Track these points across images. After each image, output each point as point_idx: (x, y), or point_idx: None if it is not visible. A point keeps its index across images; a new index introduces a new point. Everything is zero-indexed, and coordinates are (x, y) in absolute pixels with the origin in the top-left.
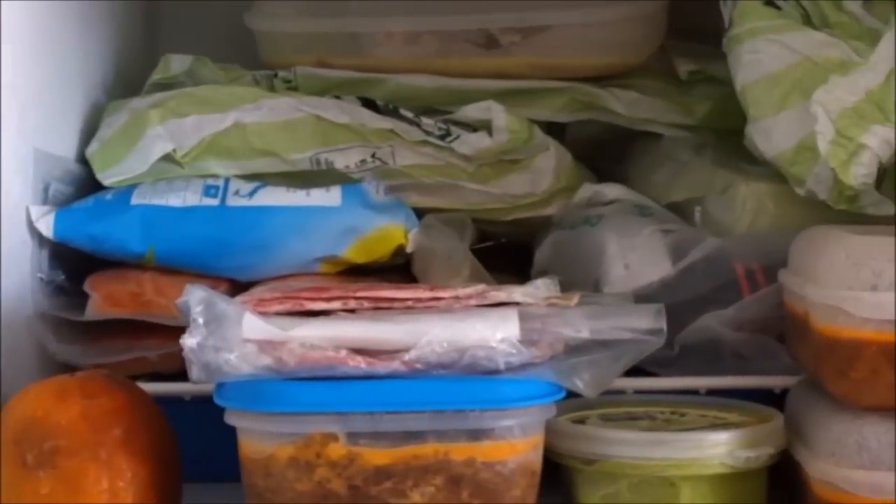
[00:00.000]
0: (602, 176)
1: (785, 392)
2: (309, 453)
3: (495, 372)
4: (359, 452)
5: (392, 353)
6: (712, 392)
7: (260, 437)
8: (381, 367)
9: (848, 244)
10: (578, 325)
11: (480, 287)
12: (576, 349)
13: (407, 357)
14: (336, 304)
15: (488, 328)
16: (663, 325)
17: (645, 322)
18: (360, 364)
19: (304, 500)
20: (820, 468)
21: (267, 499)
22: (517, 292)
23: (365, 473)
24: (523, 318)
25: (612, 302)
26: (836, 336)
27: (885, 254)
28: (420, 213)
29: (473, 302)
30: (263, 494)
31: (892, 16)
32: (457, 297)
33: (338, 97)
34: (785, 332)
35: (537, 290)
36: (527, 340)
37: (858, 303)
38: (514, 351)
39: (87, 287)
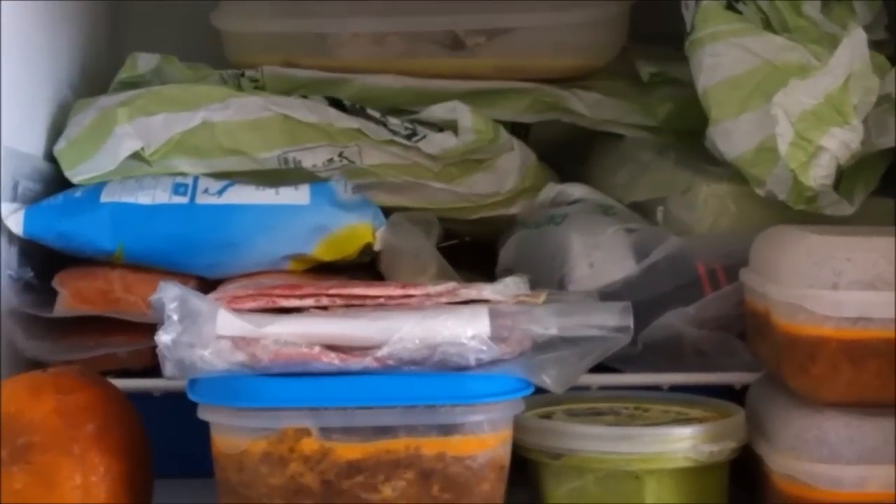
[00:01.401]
0: (565, 176)
1: (746, 388)
2: (282, 448)
3: (466, 368)
4: (331, 447)
5: (365, 349)
6: (675, 388)
7: (234, 433)
8: (354, 363)
9: (808, 243)
10: (547, 323)
11: (451, 285)
12: (543, 346)
13: (379, 353)
14: (309, 302)
15: (459, 325)
16: (630, 322)
17: (612, 319)
18: (334, 360)
19: (277, 495)
20: (781, 462)
21: (240, 494)
22: (487, 290)
23: (337, 468)
24: (493, 316)
25: (578, 300)
26: (797, 333)
27: (844, 253)
28: (387, 211)
29: (444, 299)
30: (236, 489)
31: (849, 20)
32: (428, 295)
33: (305, 97)
34: (746, 329)
35: (506, 288)
36: (497, 337)
37: (819, 301)
38: (484, 348)
39: (56, 284)
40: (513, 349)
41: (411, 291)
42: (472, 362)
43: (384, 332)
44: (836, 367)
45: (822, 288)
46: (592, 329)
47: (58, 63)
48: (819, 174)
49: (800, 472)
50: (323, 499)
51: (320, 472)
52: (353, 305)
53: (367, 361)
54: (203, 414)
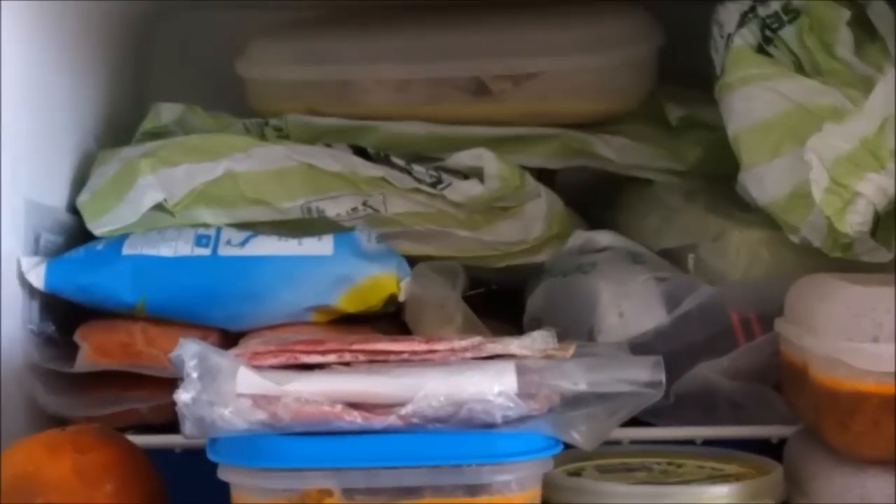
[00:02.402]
0: (592, 222)
1: (782, 442)
2: None
3: (492, 425)
4: None
5: (388, 407)
6: (709, 442)
7: (254, 493)
8: (377, 421)
9: (847, 295)
10: (576, 378)
11: (476, 339)
12: (573, 401)
13: (403, 411)
14: (331, 357)
15: (485, 381)
16: (662, 377)
17: (643, 374)
18: (356, 419)
19: None
20: None
21: None
22: (514, 345)
23: None
24: (520, 371)
25: (608, 352)
26: (837, 388)
27: (885, 304)
28: (411, 260)
29: (469, 355)
30: None
31: (884, 62)
32: (453, 350)
33: (329, 145)
34: (782, 381)
35: (534, 342)
36: (524, 394)
37: (859, 354)
38: (511, 404)
39: (77, 338)
40: (541, 405)
41: (436, 346)
42: (499, 419)
43: (408, 389)
44: (878, 424)
45: (861, 341)
46: (623, 384)
47: (81, 112)
48: (855, 221)
49: None
50: None
51: None
52: (377, 361)
53: (391, 419)
54: (223, 474)
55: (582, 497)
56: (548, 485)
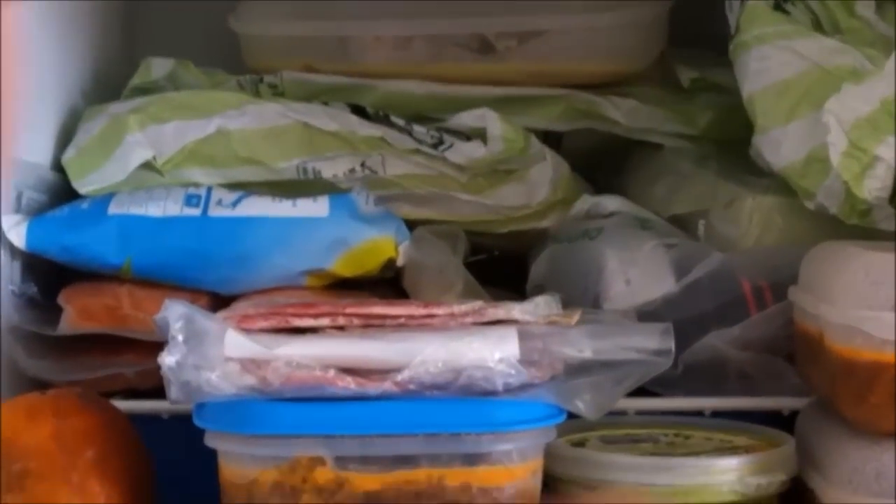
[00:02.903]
0: (599, 188)
1: (794, 414)
2: (294, 478)
3: (493, 393)
4: (347, 477)
5: (383, 373)
6: (718, 414)
7: (242, 461)
8: (372, 387)
9: (867, 262)
10: (581, 345)
11: (477, 304)
12: (577, 369)
13: (399, 377)
14: (324, 321)
15: (486, 347)
16: (671, 345)
17: (651, 342)
18: (350, 384)
19: None
20: (836, 497)
21: None
22: (516, 310)
23: (354, 500)
24: (522, 338)
25: (614, 320)
26: (854, 358)
27: None
28: (411, 224)
29: (470, 320)
30: None
31: None
32: (452, 315)
33: (326, 103)
34: (795, 352)
35: (537, 308)
36: (526, 360)
37: (878, 323)
38: (513, 371)
39: (60, 300)
40: (543, 373)
41: (435, 311)
42: (500, 387)
43: (405, 355)
44: None
45: (881, 310)
46: (630, 352)
47: (68, 67)
48: (874, 186)
49: None
50: None
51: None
52: (372, 326)
53: (386, 386)
54: (210, 441)
55: (585, 469)
56: (550, 455)
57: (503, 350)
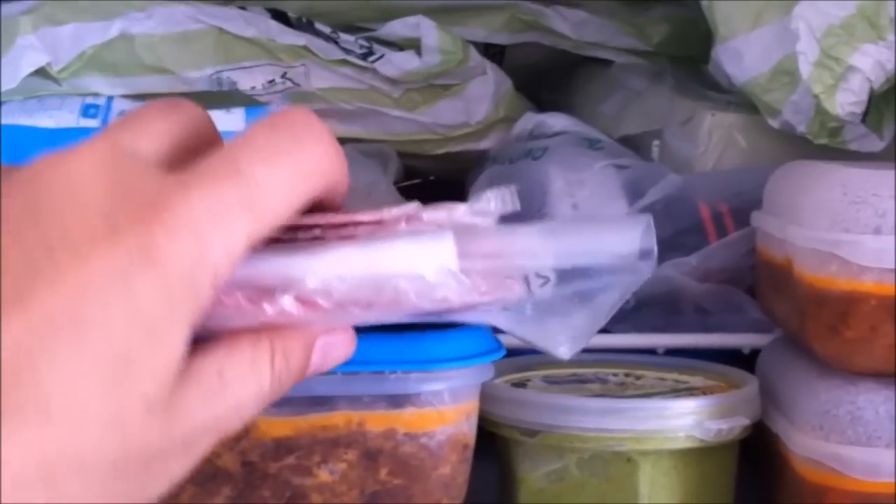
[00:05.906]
0: (545, 107)
1: (755, 353)
2: None
3: (431, 314)
4: (253, 422)
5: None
6: (672, 351)
7: None
8: (269, 305)
9: (844, 178)
10: (538, 251)
11: (411, 207)
12: (538, 286)
13: (302, 290)
14: None
15: (418, 253)
16: (654, 244)
17: (628, 242)
18: (240, 302)
19: (187, 480)
20: (804, 443)
21: None
22: (461, 210)
23: (262, 447)
24: (462, 241)
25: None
26: (828, 287)
27: (888, 190)
28: (338, 143)
29: (404, 227)
30: None
31: None
32: (380, 222)
33: (243, 8)
34: (757, 283)
35: (489, 205)
36: (470, 270)
37: (857, 248)
38: (452, 283)
39: None
40: (491, 287)
41: (358, 218)
42: (437, 306)
43: (308, 269)
44: (876, 329)
45: (860, 232)
46: (603, 256)
47: None
48: (847, 100)
49: (827, 456)
50: (244, 484)
51: (240, 452)
52: (279, 240)
53: (284, 303)
54: None
55: (527, 411)
56: (486, 397)
57: (439, 256)
